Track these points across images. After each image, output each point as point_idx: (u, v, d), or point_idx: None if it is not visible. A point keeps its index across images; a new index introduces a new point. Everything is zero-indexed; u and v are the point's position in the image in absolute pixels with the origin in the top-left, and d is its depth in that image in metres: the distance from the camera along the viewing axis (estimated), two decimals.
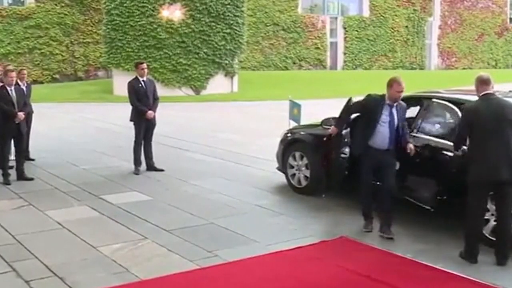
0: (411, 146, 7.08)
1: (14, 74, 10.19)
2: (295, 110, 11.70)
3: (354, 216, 7.71)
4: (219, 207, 8.48)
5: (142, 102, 10.80)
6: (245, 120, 19.33)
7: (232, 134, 15.82)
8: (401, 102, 7.15)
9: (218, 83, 27.61)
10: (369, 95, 7.24)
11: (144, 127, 10.92)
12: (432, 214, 7.16)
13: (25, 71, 12.02)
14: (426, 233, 7.13)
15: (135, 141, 10.98)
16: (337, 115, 7.94)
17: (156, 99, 11.02)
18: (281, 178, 9.82)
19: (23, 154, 10.55)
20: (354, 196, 7.94)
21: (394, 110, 7.02)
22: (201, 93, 27.22)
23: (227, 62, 27.60)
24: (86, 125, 17.96)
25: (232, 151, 12.92)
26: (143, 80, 10.85)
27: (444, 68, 44.46)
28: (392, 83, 6.98)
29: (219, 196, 9.12)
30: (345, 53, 40.98)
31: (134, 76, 11.00)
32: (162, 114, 20.39)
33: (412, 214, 7.71)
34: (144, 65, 10.95)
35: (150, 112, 10.80)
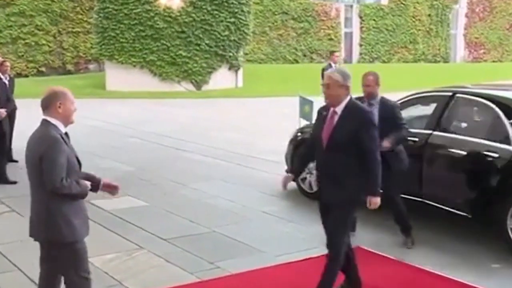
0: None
1: None
2: (306, 107, 11.71)
3: (368, 225, 7.69)
4: (221, 213, 8.48)
5: None
6: (251, 118, 19.31)
7: (236, 133, 15.80)
8: (386, 100, 7.08)
9: (221, 78, 27.64)
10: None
11: None
12: (457, 223, 7.14)
13: (8, 63, 12.03)
14: (446, 243, 7.11)
15: None
16: None
17: None
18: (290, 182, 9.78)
19: (5, 155, 10.56)
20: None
21: (374, 109, 6.91)
22: (202, 88, 27.25)
23: (231, 54, 27.61)
24: (75, 123, 17.83)
25: (236, 152, 12.90)
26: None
27: (471, 61, 44.40)
28: (362, 78, 7.05)
29: (222, 201, 9.11)
30: (361, 45, 40.97)
31: None
32: (160, 111, 20.47)
33: (435, 223, 7.69)
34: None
35: None
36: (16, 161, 11.87)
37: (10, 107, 10.61)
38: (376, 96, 6.98)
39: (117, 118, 18.22)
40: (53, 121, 4.49)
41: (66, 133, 4.58)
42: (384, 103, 7.01)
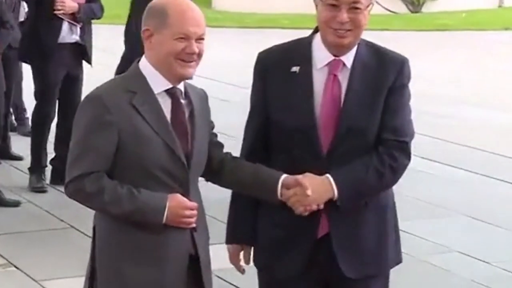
0: None
1: None
2: None
3: None
4: (455, 283, 8.69)
5: None
6: None
7: (494, 109, 15.82)
8: None
9: None
10: None
11: None
12: None
13: None
14: None
15: None
16: None
17: None
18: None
19: None
20: None
21: None
22: (423, 8, 27.48)
23: None
24: None
25: (496, 153, 13.05)
26: None
27: None
28: None
29: (459, 259, 9.32)
30: None
31: None
32: None
33: None
34: None
35: None
36: (19, 159, 12.30)
37: (6, 39, 10.86)
38: None
39: (237, 67, 18.62)
40: (142, 65, 4.43)
41: (172, 92, 4.43)
42: None
